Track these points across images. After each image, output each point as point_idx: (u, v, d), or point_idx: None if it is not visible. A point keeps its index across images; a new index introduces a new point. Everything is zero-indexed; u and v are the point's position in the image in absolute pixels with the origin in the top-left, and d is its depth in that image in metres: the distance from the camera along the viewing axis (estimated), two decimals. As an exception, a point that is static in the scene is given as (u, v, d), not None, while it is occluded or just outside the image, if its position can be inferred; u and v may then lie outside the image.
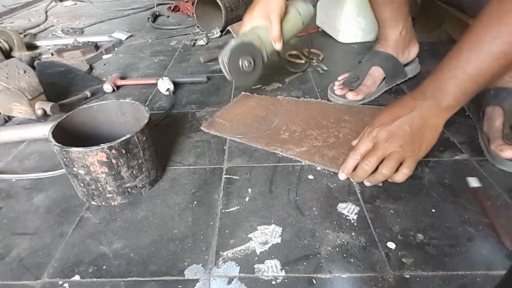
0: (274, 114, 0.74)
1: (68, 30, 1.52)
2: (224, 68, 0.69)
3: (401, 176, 0.52)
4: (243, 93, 0.84)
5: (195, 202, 0.54)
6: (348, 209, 0.50)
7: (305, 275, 0.41)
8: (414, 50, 0.83)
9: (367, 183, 0.54)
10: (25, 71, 0.78)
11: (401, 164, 0.52)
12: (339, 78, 0.82)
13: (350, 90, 0.76)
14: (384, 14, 0.77)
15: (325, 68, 0.97)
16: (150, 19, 1.60)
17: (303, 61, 1.03)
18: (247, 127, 0.70)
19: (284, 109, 0.76)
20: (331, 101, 0.79)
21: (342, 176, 0.55)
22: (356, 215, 0.49)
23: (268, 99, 0.82)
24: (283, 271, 0.42)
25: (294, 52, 1.08)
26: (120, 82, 0.96)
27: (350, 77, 0.80)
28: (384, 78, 0.80)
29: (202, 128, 0.68)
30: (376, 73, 0.79)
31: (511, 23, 0.43)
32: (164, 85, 0.88)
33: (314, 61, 1.00)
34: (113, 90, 0.92)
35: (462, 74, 0.48)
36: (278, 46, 0.73)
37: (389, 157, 0.52)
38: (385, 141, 0.52)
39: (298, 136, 0.67)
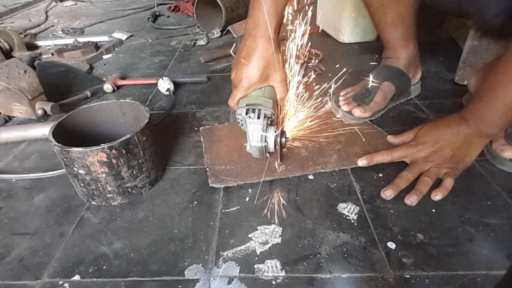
0: None
1: (68, 30, 1.52)
2: (265, 153, 0.56)
3: (440, 196, 0.51)
4: (201, 129, 0.72)
5: (195, 202, 0.54)
6: (348, 209, 0.50)
7: (305, 275, 0.41)
8: (419, 73, 0.80)
9: (407, 201, 0.50)
10: (25, 71, 0.78)
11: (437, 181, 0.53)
12: (342, 93, 0.75)
13: (358, 105, 0.70)
14: (394, 34, 0.73)
15: (323, 69, 0.97)
16: (150, 19, 1.60)
17: (301, 61, 1.03)
18: (259, 160, 0.61)
19: None
20: (335, 115, 0.72)
21: (388, 193, 0.52)
22: (356, 215, 0.49)
23: (236, 125, 0.66)
24: (283, 271, 0.42)
25: (294, 52, 1.08)
26: (120, 82, 0.96)
27: (360, 91, 0.73)
28: (394, 95, 0.74)
29: (212, 185, 0.56)
30: (387, 88, 0.72)
31: None
32: (164, 85, 0.88)
33: (312, 61, 1.01)
34: (113, 90, 0.92)
35: (503, 106, 0.49)
36: (283, 102, 0.63)
37: (426, 172, 0.54)
38: (425, 160, 0.55)
39: (316, 147, 0.63)
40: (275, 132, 0.54)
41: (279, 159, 0.58)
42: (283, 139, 0.55)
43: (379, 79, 0.73)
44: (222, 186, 0.56)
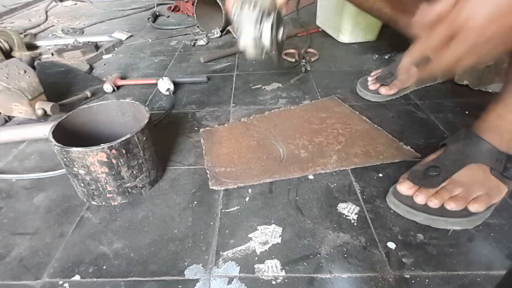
0: (263, 137, 0.67)
1: (68, 30, 1.52)
2: (258, 46, 0.52)
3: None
4: (201, 130, 0.71)
5: (195, 202, 0.54)
6: (348, 209, 0.50)
7: (305, 275, 0.41)
8: None
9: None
10: (25, 71, 0.78)
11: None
12: (372, 74, 0.83)
13: (383, 85, 0.77)
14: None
15: (309, 69, 0.97)
16: (150, 19, 1.60)
17: (293, 60, 1.04)
18: (259, 161, 0.61)
19: (264, 128, 0.70)
20: (360, 96, 0.81)
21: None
22: (356, 215, 0.49)
23: (236, 126, 0.71)
24: (283, 271, 0.42)
25: (291, 51, 1.09)
26: (120, 82, 0.96)
27: (383, 72, 0.80)
28: None
29: (213, 187, 0.56)
30: (412, 69, 0.75)
31: None
32: (164, 85, 0.88)
33: (303, 61, 1.01)
34: (113, 90, 0.92)
35: None
36: (283, 10, 0.58)
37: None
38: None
39: (315, 147, 0.63)
40: (272, 22, 0.49)
41: (276, 58, 0.53)
42: (281, 31, 0.50)
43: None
44: (223, 188, 0.56)
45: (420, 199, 0.47)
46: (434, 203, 0.46)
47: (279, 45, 0.51)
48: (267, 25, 0.49)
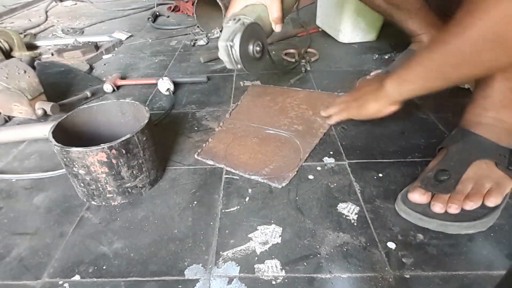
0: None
1: (68, 30, 1.52)
2: (231, 56, 0.55)
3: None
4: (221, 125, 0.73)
5: (195, 202, 0.54)
6: (348, 209, 0.50)
7: (305, 275, 0.41)
8: None
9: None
10: (25, 71, 0.78)
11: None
12: (372, 74, 0.77)
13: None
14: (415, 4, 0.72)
15: (309, 69, 0.97)
16: (150, 19, 1.60)
17: (293, 60, 1.04)
18: (251, 157, 0.63)
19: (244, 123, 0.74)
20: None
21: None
22: (356, 215, 0.49)
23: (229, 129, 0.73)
24: (283, 271, 0.42)
25: (291, 51, 1.09)
26: (120, 82, 0.96)
27: (382, 73, 0.70)
28: None
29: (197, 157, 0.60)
30: None
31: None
32: (164, 85, 0.88)
33: (303, 61, 1.01)
34: (113, 90, 0.92)
35: (416, 74, 0.49)
36: (278, 28, 0.63)
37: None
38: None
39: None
40: (247, 34, 0.52)
41: (245, 69, 0.57)
42: (251, 46, 0.53)
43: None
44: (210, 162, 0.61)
45: (438, 208, 0.45)
46: (454, 209, 0.45)
47: (251, 58, 0.54)
48: (238, 36, 0.52)
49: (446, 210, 0.45)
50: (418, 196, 0.47)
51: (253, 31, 0.56)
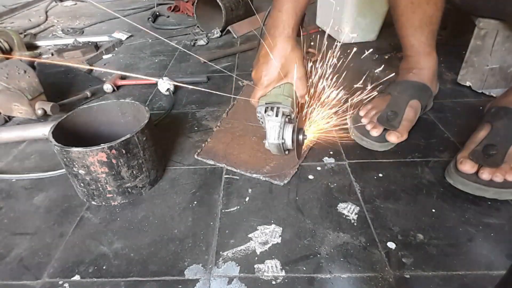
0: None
1: (68, 30, 1.52)
2: (282, 150, 0.57)
3: None
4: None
5: (195, 202, 0.54)
6: (348, 209, 0.50)
7: (305, 275, 0.41)
8: (437, 86, 0.74)
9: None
10: (25, 71, 0.78)
11: None
12: (361, 113, 0.67)
13: (386, 129, 0.60)
14: (420, 39, 0.66)
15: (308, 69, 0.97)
16: (150, 19, 1.60)
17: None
18: (251, 156, 0.63)
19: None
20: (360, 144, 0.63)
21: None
22: (356, 215, 0.49)
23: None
24: (283, 271, 0.42)
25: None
26: (120, 82, 0.96)
27: (385, 113, 0.62)
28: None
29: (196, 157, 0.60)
30: (416, 105, 0.65)
31: None
32: (164, 85, 0.88)
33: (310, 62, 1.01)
34: (113, 90, 0.92)
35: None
36: (303, 100, 0.62)
37: None
38: None
39: None
40: (293, 129, 0.55)
41: (296, 156, 0.58)
42: (300, 136, 0.56)
43: (404, 98, 0.64)
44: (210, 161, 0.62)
45: (485, 176, 0.50)
46: (499, 178, 0.49)
47: (299, 144, 0.57)
48: (288, 133, 0.55)
49: (491, 179, 0.50)
50: (469, 167, 0.51)
51: (297, 124, 0.57)
